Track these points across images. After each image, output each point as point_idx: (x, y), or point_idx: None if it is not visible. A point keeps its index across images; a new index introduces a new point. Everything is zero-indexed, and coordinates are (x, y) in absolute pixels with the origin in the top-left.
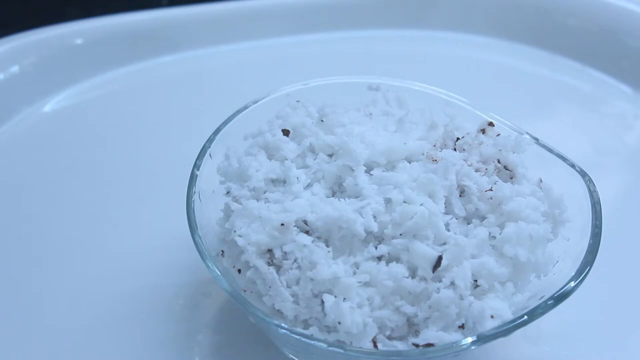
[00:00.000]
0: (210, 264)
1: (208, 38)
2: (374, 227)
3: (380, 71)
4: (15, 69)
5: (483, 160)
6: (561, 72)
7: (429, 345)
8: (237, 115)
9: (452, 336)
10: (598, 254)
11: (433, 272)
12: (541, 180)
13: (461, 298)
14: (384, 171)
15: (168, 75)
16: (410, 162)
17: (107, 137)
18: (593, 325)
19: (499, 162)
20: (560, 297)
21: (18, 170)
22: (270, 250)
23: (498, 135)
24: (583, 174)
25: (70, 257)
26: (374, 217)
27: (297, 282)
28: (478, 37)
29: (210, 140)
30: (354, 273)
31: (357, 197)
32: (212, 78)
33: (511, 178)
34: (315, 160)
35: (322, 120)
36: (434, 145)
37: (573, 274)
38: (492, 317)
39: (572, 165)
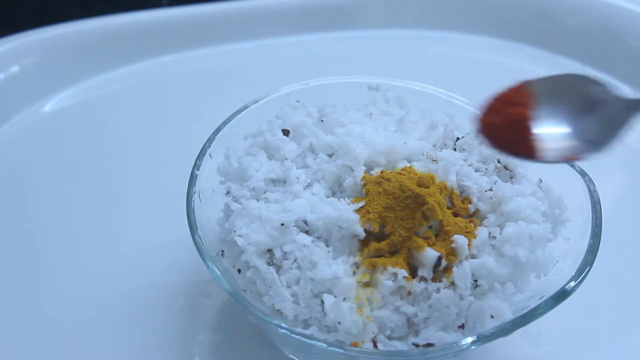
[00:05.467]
0: (210, 264)
1: (208, 38)
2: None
3: (380, 71)
4: (15, 69)
5: (483, 160)
6: (561, 72)
7: (429, 345)
8: (237, 115)
9: (452, 336)
10: (598, 254)
11: (433, 272)
12: (541, 180)
13: (461, 298)
14: None
15: (168, 75)
16: (410, 162)
17: (106, 137)
18: (593, 325)
19: (499, 162)
20: (560, 297)
21: (18, 170)
22: (270, 250)
23: None
24: (583, 174)
25: (70, 257)
26: None
27: (297, 282)
28: (478, 37)
29: (210, 140)
30: (354, 273)
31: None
32: (212, 78)
33: (511, 178)
34: (315, 160)
35: (322, 120)
36: (434, 145)
37: (573, 274)
38: (492, 317)
39: (572, 165)
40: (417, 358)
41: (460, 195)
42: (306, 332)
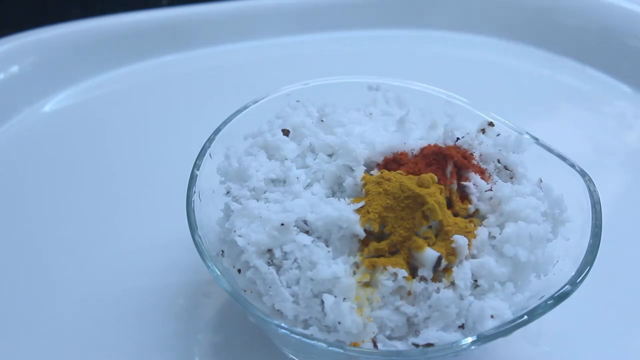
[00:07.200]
0: (210, 264)
1: (208, 38)
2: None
3: (380, 71)
4: (15, 69)
5: (483, 160)
6: (561, 72)
7: (429, 345)
8: (237, 115)
9: (452, 336)
10: (598, 254)
11: (433, 272)
12: (541, 180)
13: (461, 298)
14: None
15: (168, 75)
16: None
17: (106, 137)
18: (593, 325)
19: (499, 162)
20: (560, 297)
21: (18, 170)
22: (270, 250)
23: (498, 135)
24: (583, 174)
25: (70, 257)
26: None
27: (297, 282)
28: (478, 37)
29: (210, 140)
30: (354, 273)
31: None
32: (212, 78)
33: (511, 178)
34: (315, 160)
35: (322, 120)
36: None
37: (573, 274)
38: (492, 317)
39: (572, 165)
40: (417, 358)
41: (460, 195)
42: (306, 332)
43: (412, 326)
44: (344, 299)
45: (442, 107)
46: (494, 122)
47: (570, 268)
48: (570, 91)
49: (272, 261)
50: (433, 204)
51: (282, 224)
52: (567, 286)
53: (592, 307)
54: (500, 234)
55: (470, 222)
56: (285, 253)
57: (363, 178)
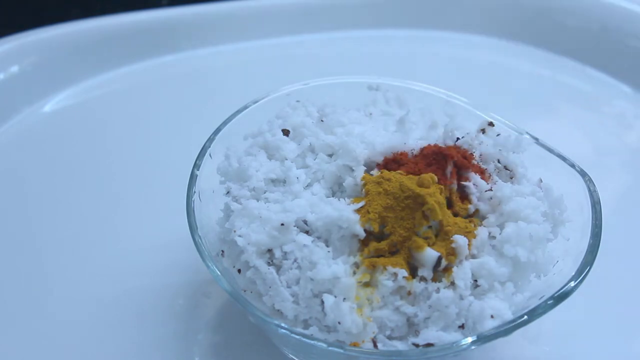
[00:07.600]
0: (210, 264)
1: (208, 38)
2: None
3: (380, 71)
4: (15, 69)
5: (483, 160)
6: (561, 72)
7: (429, 345)
8: (237, 115)
9: (452, 336)
10: (598, 254)
11: (433, 272)
12: (541, 180)
13: (461, 298)
14: None
15: (168, 75)
16: None
17: (107, 137)
18: (593, 326)
19: (499, 162)
20: (560, 297)
21: (18, 170)
22: (270, 250)
23: (498, 135)
24: (583, 174)
25: (70, 257)
26: None
27: (297, 282)
28: (478, 37)
29: (210, 140)
30: (354, 273)
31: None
32: (212, 78)
33: (511, 178)
34: (315, 160)
35: (322, 120)
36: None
37: (573, 274)
38: (492, 317)
39: (572, 165)
40: (417, 358)
41: (460, 195)
42: (306, 332)
43: (412, 326)
44: (344, 299)
45: (442, 107)
46: (494, 122)
47: (570, 268)
48: (570, 91)
49: (272, 261)
50: (433, 204)
51: (282, 224)
52: (567, 286)
53: (592, 307)
54: (500, 234)
55: (470, 222)
56: (285, 253)
57: (363, 178)
